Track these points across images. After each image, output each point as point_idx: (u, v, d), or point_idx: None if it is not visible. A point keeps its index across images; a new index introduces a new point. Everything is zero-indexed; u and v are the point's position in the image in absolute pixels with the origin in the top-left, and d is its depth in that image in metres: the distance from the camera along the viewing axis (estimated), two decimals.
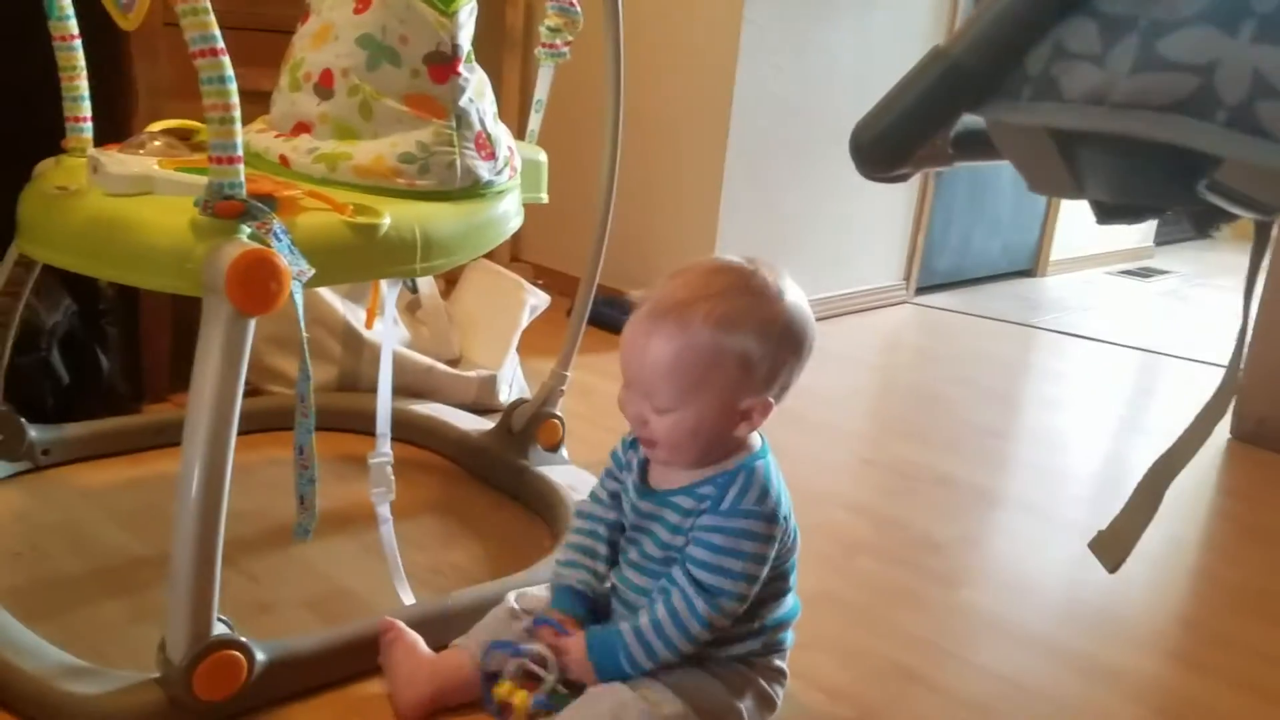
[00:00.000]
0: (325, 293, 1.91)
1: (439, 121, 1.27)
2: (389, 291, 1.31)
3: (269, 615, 1.25)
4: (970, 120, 0.62)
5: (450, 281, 2.27)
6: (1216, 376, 0.82)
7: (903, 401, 2.43)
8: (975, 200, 3.56)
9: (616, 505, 1.13)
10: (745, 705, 1.07)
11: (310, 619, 1.25)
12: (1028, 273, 3.97)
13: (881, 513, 1.75)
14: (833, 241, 2.99)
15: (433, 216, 1.23)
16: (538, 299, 2.11)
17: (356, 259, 1.16)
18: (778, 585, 1.08)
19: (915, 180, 3.22)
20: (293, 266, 1.04)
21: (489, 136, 1.32)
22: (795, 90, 2.72)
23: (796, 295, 1.04)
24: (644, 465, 1.10)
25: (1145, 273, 4.31)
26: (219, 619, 1.02)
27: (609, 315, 2.59)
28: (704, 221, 2.68)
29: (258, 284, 1.01)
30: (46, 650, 1.07)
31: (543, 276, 2.78)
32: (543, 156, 1.52)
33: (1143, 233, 4.59)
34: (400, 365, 1.90)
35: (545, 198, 1.51)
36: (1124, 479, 2.06)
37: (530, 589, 1.17)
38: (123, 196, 1.10)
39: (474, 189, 1.30)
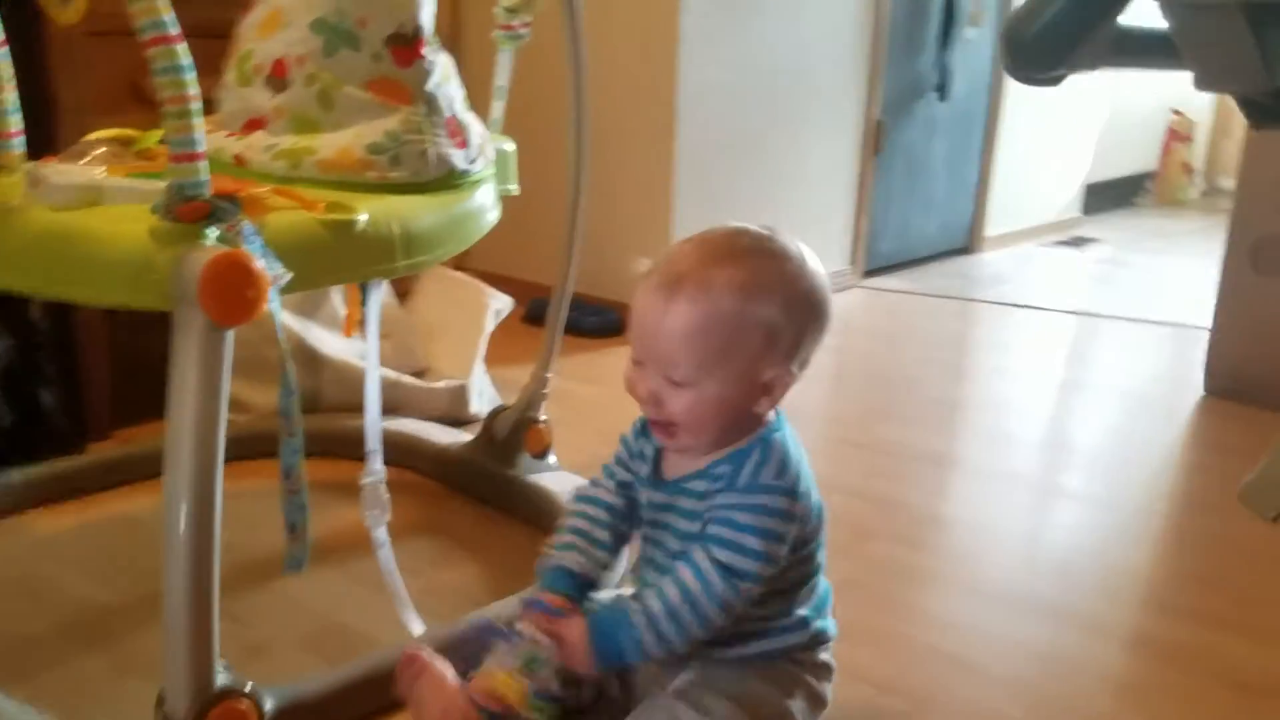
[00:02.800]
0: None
1: (407, 108, 1.18)
2: (371, 293, 1.21)
3: (263, 659, 1.14)
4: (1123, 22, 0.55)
5: (403, 292, 2.16)
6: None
7: (871, 383, 2.39)
8: (911, 181, 3.55)
9: (624, 493, 1.04)
10: (797, 705, 1.00)
11: (309, 659, 1.15)
12: (964, 250, 3.98)
13: (880, 495, 1.69)
14: (781, 228, 2.95)
15: (410, 210, 1.13)
16: (501, 302, 2.03)
17: (333, 259, 1.07)
18: (806, 569, 1.01)
19: (855, 163, 3.20)
20: (268, 270, 0.95)
21: (460, 122, 1.24)
22: (736, 79, 2.67)
23: (816, 263, 0.98)
24: (657, 455, 1.02)
25: (1078, 242, 4.36)
26: (221, 666, 0.91)
27: (569, 319, 2.50)
28: (657, 216, 2.61)
29: (233, 291, 0.91)
30: (29, 716, 0.95)
31: (491, 283, 2.68)
32: (510, 145, 1.43)
33: (1070, 203, 4.65)
34: (362, 378, 1.79)
35: (516, 189, 1.43)
36: (1117, 444, 2.04)
37: None
38: (68, 209, 0.98)
39: (449, 179, 1.21)
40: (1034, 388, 2.41)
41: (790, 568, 0.97)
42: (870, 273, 3.39)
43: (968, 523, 1.62)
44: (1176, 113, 5.37)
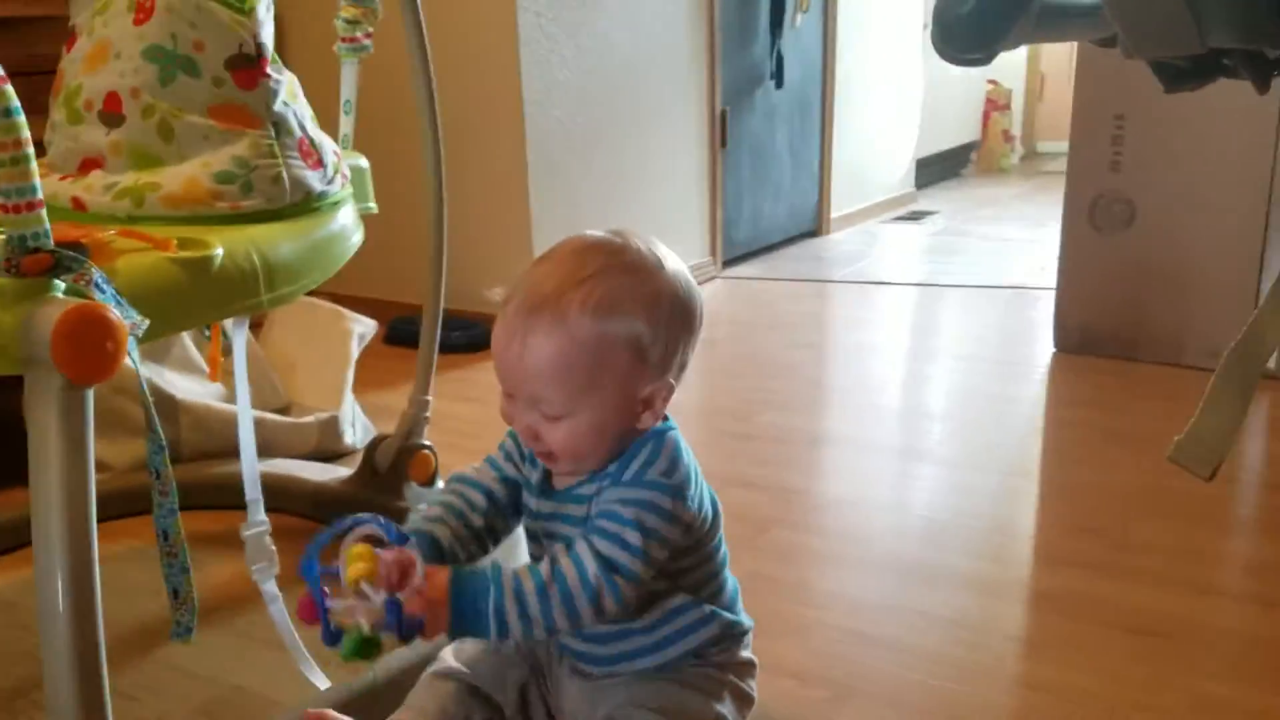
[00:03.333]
0: None
1: (254, 132, 1.11)
2: (235, 331, 1.14)
3: None
4: None
5: (255, 325, 2.06)
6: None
7: (746, 372, 2.41)
8: (759, 170, 3.61)
9: (505, 486, 0.98)
10: (727, 708, 0.98)
11: None
12: (813, 233, 4.08)
13: (772, 482, 1.70)
14: (640, 226, 2.93)
15: (269, 239, 1.07)
16: (364, 326, 1.95)
17: (192, 300, 0.99)
18: (708, 568, 0.98)
19: (705, 155, 3.23)
20: (124, 319, 0.87)
21: (312, 142, 1.17)
22: (580, 78, 2.65)
23: (676, 263, 0.93)
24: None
25: (915, 216, 4.52)
26: None
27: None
28: (514, 223, 2.57)
29: (91, 346, 0.83)
30: None
31: (346, 306, 2.59)
32: (364, 162, 1.37)
33: (904, 179, 4.82)
34: (223, 423, 1.70)
35: (375, 207, 1.37)
36: (982, 407, 2.11)
37: (465, 641, 1.03)
38: None
39: (306, 203, 1.15)
40: (894, 360, 2.48)
41: (690, 569, 0.95)
42: (729, 262, 3.43)
43: (858, 500, 1.64)
44: (992, 82, 5.63)
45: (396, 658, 1.09)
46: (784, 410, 2.08)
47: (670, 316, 0.89)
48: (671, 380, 0.91)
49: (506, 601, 0.85)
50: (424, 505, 0.98)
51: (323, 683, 1.09)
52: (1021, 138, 5.96)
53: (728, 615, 1.00)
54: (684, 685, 0.97)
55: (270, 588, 1.14)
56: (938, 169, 5.47)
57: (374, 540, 0.84)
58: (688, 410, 2.08)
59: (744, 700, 1.01)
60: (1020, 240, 3.82)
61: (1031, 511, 1.60)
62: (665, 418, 0.97)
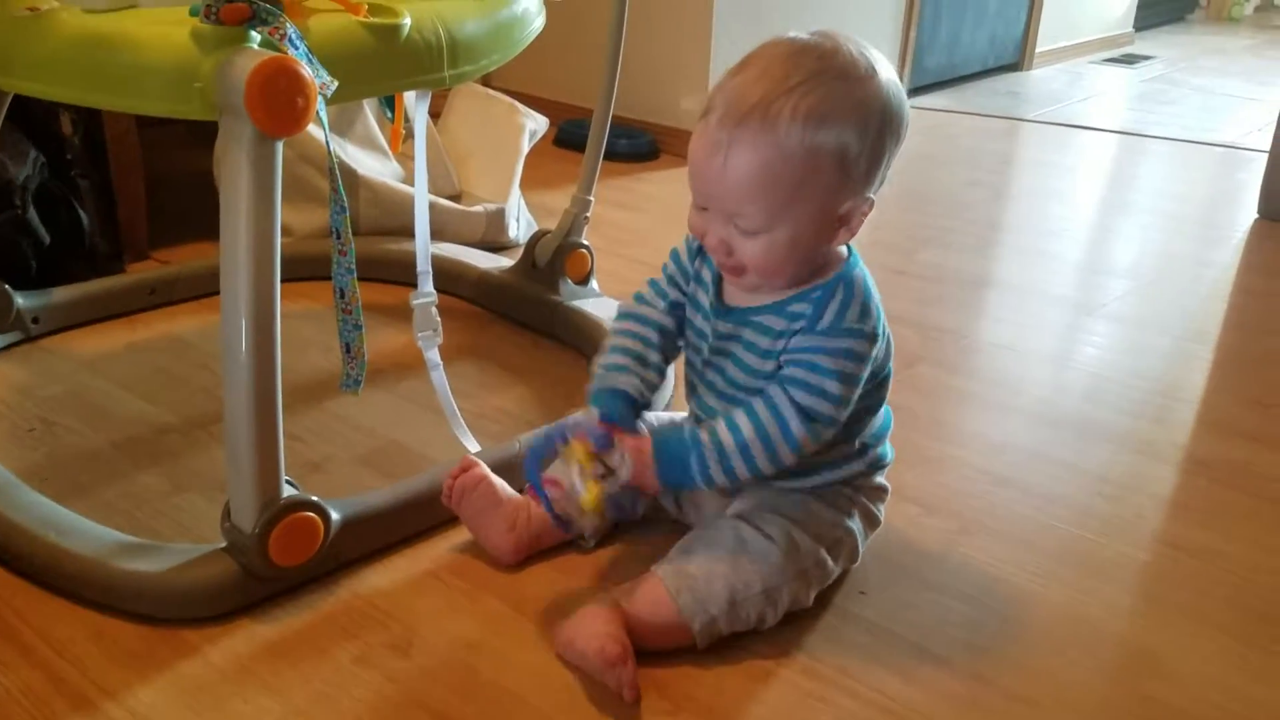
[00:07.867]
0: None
1: None
2: (418, 107, 1.16)
3: (322, 474, 1.15)
4: None
5: (433, 112, 2.09)
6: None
7: (918, 207, 2.33)
8: None
9: (673, 314, 1.01)
10: (855, 525, 1.01)
11: (368, 475, 1.15)
12: (1014, 66, 3.83)
13: (925, 320, 1.67)
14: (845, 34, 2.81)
15: (456, 14, 1.08)
16: (536, 123, 1.96)
17: (378, 67, 1.02)
18: (878, 396, 0.99)
19: None
20: (315, 78, 0.90)
21: None
22: None
23: (888, 70, 0.89)
24: (718, 280, 0.98)
25: (1129, 59, 4.18)
26: (286, 480, 0.92)
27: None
28: (696, 33, 2.50)
29: (282, 98, 0.86)
30: (91, 528, 0.97)
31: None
32: None
33: (1122, 18, 4.44)
34: (399, 203, 1.76)
35: None
36: (1167, 267, 2.00)
37: None
38: (105, 12, 0.94)
39: None
40: (1082, 209, 2.35)
41: (860, 399, 0.94)
42: (915, 91, 3.27)
43: (1015, 347, 1.59)
44: None
45: (535, 436, 1.15)
46: (950, 250, 2.02)
47: (880, 127, 0.86)
48: (871, 196, 0.89)
49: (711, 465, 0.91)
50: (605, 349, 1.02)
51: (473, 446, 1.16)
52: None
53: (877, 450, 1.01)
54: (817, 497, 0.99)
55: (433, 355, 1.20)
56: (1163, 9, 5.01)
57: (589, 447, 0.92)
58: None
59: (871, 521, 1.03)
60: (1240, 97, 3.51)
61: (1202, 378, 1.52)
62: (849, 249, 0.95)
